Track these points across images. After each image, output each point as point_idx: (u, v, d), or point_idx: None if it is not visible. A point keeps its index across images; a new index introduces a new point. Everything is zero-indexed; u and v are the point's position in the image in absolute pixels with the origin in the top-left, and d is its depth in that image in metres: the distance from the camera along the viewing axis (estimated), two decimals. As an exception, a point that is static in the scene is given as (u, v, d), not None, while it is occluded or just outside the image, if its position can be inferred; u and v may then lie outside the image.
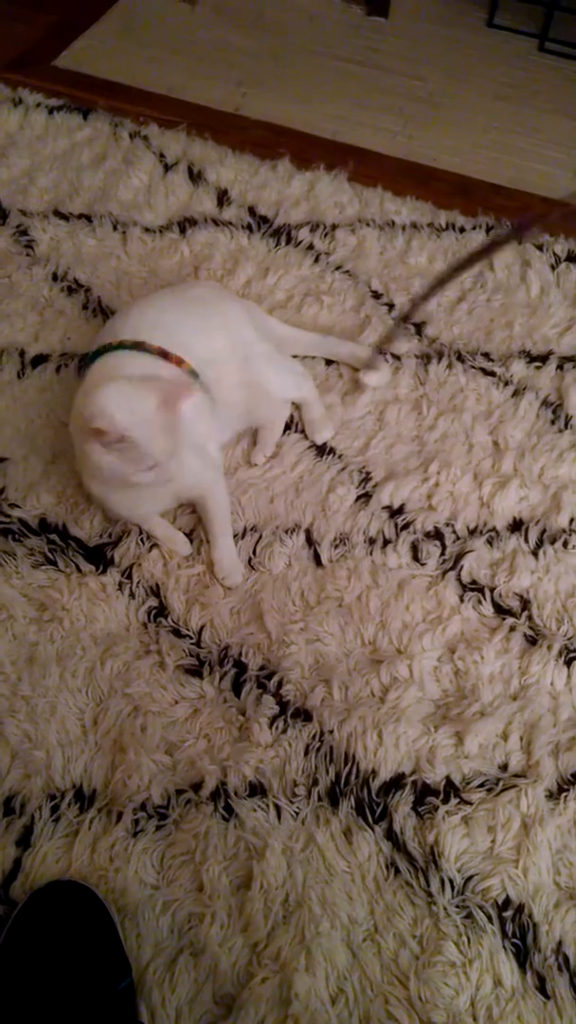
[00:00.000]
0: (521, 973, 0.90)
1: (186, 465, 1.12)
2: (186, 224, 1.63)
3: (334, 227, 1.66)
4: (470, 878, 0.95)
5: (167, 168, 1.74)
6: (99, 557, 1.17)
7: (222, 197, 1.69)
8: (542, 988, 0.89)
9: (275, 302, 1.52)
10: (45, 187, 1.68)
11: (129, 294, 1.50)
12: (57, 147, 1.76)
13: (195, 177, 1.72)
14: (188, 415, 1.08)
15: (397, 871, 0.95)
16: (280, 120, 1.92)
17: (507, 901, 0.94)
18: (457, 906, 0.93)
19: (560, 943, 0.92)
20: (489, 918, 0.93)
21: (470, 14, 2.30)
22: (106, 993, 0.81)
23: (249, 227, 1.64)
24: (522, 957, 0.91)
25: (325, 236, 1.64)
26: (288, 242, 1.62)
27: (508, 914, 0.93)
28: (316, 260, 1.60)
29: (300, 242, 1.62)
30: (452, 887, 0.94)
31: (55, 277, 1.52)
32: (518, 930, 0.92)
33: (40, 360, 1.40)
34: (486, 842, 0.98)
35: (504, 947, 0.92)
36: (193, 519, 1.22)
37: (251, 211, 1.67)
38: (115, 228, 1.61)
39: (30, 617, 1.12)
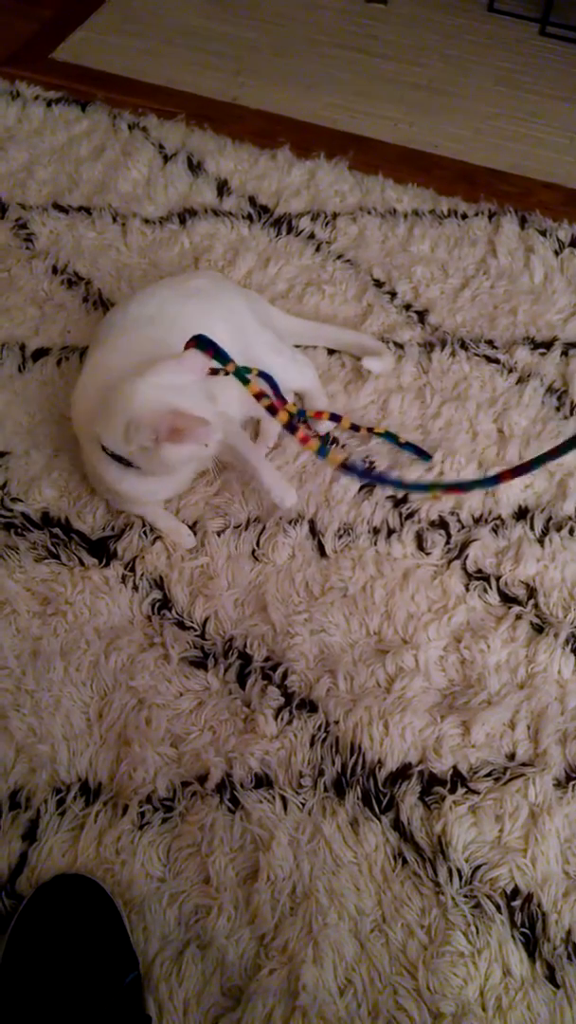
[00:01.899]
0: (530, 963, 0.90)
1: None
2: (186, 215, 1.63)
3: (335, 216, 1.65)
4: (478, 868, 0.95)
5: (166, 159, 1.73)
6: (102, 550, 1.17)
7: (222, 187, 1.68)
8: (551, 977, 0.89)
9: (276, 292, 1.51)
10: (44, 180, 1.67)
11: (130, 286, 1.49)
12: (55, 140, 1.75)
13: (194, 168, 1.71)
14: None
15: (404, 861, 0.95)
16: (279, 109, 1.90)
17: (515, 891, 0.93)
18: (465, 896, 0.93)
19: (569, 932, 0.91)
20: (498, 908, 0.92)
21: (470, -1, 2.29)
22: (113, 987, 0.81)
23: (249, 217, 1.63)
24: (531, 947, 0.90)
25: (326, 225, 1.63)
26: (289, 232, 1.61)
27: (517, 904, 0.93)
28: (317, 249, 1.59)
29: (301, 231, 1.61)
30: (460, 877, 0.94)
31: (55, 270, 1.52)
32: (527, 919, 0.92)
33: (41, 354, 1.39)
34: (494, 831, 0.97)
35: (513, 937, 0.91)
36: (196, 511, 1.21)
37: (251, 201, 1.66)
38: (115, 220, 1.60)
39: (33, 611, 1.11)
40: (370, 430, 1.30)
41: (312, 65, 2.05)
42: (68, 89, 1.87)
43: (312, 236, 1.61)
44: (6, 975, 0.82)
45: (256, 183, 1.70)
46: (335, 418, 1.29)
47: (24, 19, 2.11)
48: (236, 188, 1.69)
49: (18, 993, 0.81)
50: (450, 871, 0.94)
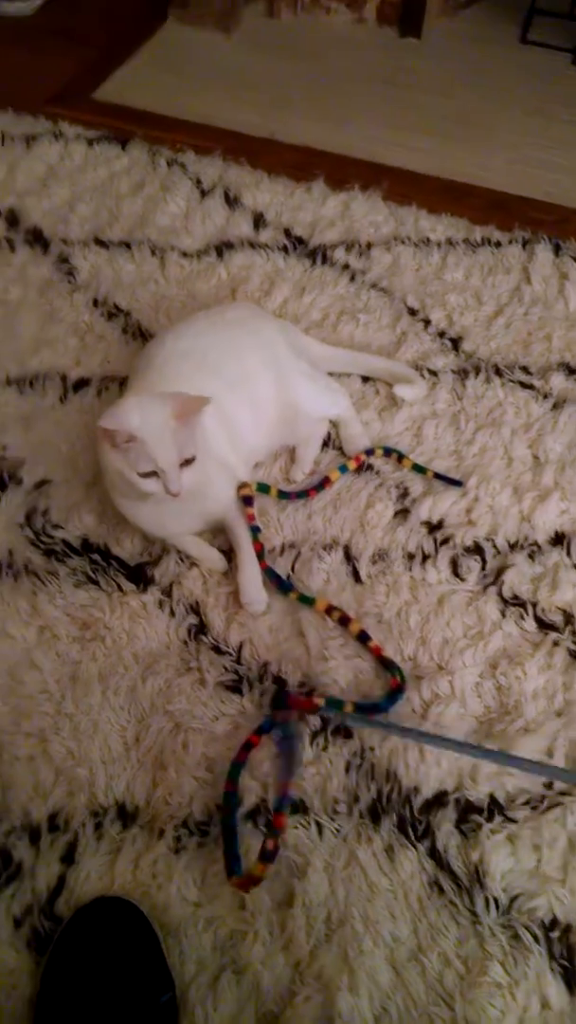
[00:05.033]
0: (569, 995, 0.88)
1: (215, 485, 1.14)
2: (223, 247, 1.66)
3: (369, 245, 1.67)
4: (516, 897, 0.93)
5: (204, 194, 1.77)
6: (140, 576, 1.19)
7: (258, 220, 1.72)
8: (591, 1011, 0.87)
9: (311, 321, 1.53)
10: (85, 216, 1.72)
11: (167, 317, 1.52)
12: (96, 176, 1.81)
13: (231, 201, 1.75)
14: (208, 432, 1.10)
15: (441, 890, 0.94)
16: (315, 143, 1.94)
17: (554, 921, 0.92)
18: (503, 926, 0.92)
19: (609, 965, 0.90)
20: (536, 938, 0.91)
21: (503, 31, 2.32)
22: (148, 1006, 0.82)
23: (285, 248, 1.66)
24: (570, 978, 0.89)
25: (360, 255, 1.65)
26: (324, 262, 1.63)
27: (555, 935, 0.91)
28: (352, 279, 1.61)
29: (335, 262, 1.64)
30: (497, 906, 0.93)
31: (95, 303, 1.55)
32: (565, 951, 0.90)
33: (81, 384, 1.42)
34: (532, 861, 0.96)
35: (551, 968, 0.89)
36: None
37: (287, 233, 1.69)
38: (153, 253, 1.64)
39: (73, 636, 1.13)
40: (400, 459, 1.31)
41: (347, 99, 2.08)
42: (109, 127, 1.93)
43: (347, 266, 1.63)
44: (47, 994, 0.83)
45: (292, 215, 1.73)
46: (369, 452, 1.32)
47: (68, 59, 2.18)
48: (272, 220, 1.72)
49: (57, 1011, 0.82)
50: (487, 900, 0.93)
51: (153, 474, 1.03)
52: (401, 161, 1.90)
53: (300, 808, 0.99)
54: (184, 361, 1.19)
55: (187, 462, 1.04)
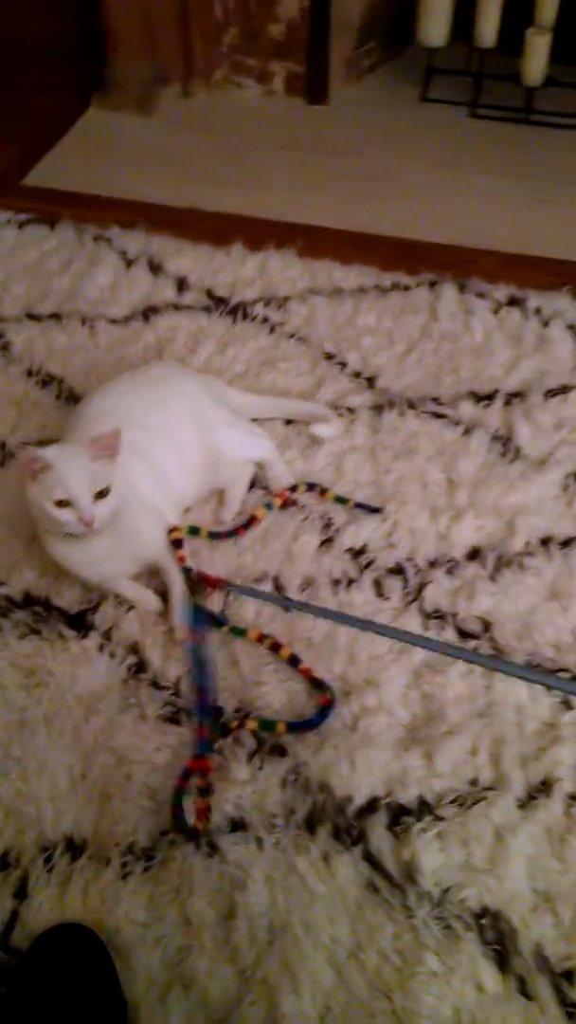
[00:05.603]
0: (502, 977, 0.93)
1: (144, 529, 1.22)
2: (149, 312, 1.76)
3: (286, 299, 1.78)
4: (447, 890, 0.98)
5: (129, 264, 1.88)
6: (80, 623, 1.25)
7: (181, 284, 1.83)
8: (523, 990, 0.92)
9: (235, 373, 1.62)
10: (18, 294, 1.82)
11: (98, 380, 1.59)
12: (27, 257, 1.91)
13: (155, 269, 1.86)
14: (135, 479, 1.20)
15: (376, 890, 0.99)
16: (232, 209, 2.06)
17: (484, 909, 0.97)
18: (436, 918, 0.96)
19: (538, 945, 0.95)
20: (467, 927, 0.96)
21: (405, 92, 2.48)
22: None
23: (208, 308, 1.76)
24: (502, 962, 0.94)
25: (278, 308, 1.76)
26: (244, 318, 1.74)
27: (486, 922, 0.96)
28: (271, 331, 1.71)
29: (255, 317, 1.74)
30: (430, 900, 0.98)
31: (30, 373, 1.64)
32: (496, 936, 0.95)
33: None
34: (461, 855, 1.01)
35: (484, 954, 0.94)
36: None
37: (209, 294, 1.80)
38: (83, 324, 1.74)
39: (19, 684, 1.19)
40: (323, 492, 1.39)
41: (261, 166, 2.22)
42: (38, 211, 2.04)
43: (266, 320, 1.73)
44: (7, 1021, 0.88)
45: (213, 277, 1.84)
46: (293, 489, 1.40)
47: (-1, 152, 2.31)
48: (194, 284, 1.83)
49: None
50: (419, 896, 0.98)
51: (67, 504, 1.11)
52: (314, 219, 2.02)
53: (240, 826, 1.05)
54: (111, 417, 1.27)
55: (101, 494, 1.12)
